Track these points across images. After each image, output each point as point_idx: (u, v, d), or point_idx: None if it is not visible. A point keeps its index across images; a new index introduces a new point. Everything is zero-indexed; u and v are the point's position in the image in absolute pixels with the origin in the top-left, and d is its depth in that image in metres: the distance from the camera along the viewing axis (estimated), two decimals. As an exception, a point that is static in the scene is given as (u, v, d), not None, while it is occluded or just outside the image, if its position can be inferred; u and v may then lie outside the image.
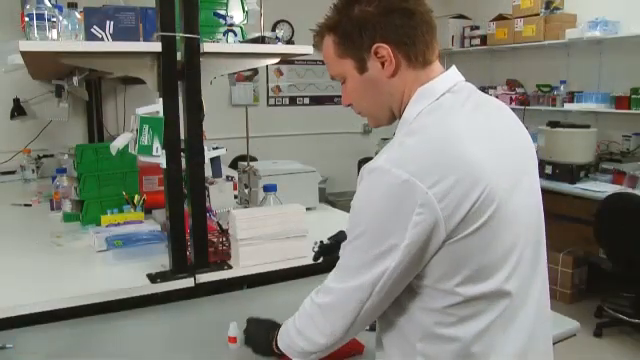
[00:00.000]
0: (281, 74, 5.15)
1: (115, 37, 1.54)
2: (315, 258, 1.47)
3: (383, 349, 1.02)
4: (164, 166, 1.54)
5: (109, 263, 1.76)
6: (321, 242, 1.47)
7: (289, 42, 2.20)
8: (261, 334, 1.20)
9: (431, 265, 0.88)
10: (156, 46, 1.50)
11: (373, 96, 1.01)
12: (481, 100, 1.01)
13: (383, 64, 0.96)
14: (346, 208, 3.01)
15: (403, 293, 0.93)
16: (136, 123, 1.49)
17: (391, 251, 0.87)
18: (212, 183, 1.88)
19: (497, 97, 5.30)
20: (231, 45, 1.77)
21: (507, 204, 0.89)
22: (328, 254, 1.45)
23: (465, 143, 0.88)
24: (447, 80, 0.98)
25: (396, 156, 0.88)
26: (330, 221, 2.36)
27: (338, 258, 1.01)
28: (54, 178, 2.54)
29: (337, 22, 0.98)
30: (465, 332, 0.90)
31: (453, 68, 1.02)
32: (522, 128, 1.05)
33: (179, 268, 1.60)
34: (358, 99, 1.03)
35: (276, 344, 1.10)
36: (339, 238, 1.45)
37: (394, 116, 1.02)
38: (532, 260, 0.96)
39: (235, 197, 2.39)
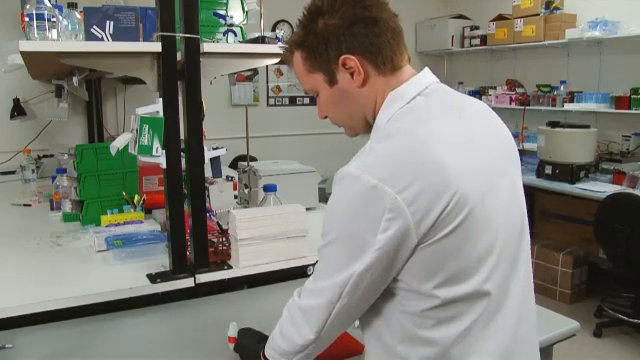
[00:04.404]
0: (281, 74, 5.14)
1: (115, 37, 1.53)
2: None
3: (367, 352, 1.03)
4: (164, 166, 1.54)
5: (109, 263, 1.76)
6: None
7: (289, 42, 2.20)
8: (251, 344, 1.20)
9: (407, 269, 0.89)
10: (156, 46, 1.50)
11: (346, 107, 1.01)
12: (456, 101, 1.00)
13: (352, 75, 0.96)
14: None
15: (382, 297, 0.94)
16: (136, 123, 1.49)
17: (362, 254, 0.88)
18: (212, 183, 1.88)
19: (497, 97, 5.31)
20: (231, 45, 1.77)
21: (482, 206, 0.88)
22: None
23: (435, 147, 0.87)
24: (418, 83, 0.98)
25: (366, 162, 0.89)
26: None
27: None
28: (54, 178, 2.54)
29: (303, 38, 0.99)
30: (444, 335, 0.90)
31: (426, 70, 1.01)
32: (502, 128, 1.04)
33: (179, 268, 1.60)
34: (332, 111, 1.04)
35: (264, 354, 1.10)
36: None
37: (369, 124, 1.02)
38: (512, 259, 0.95)
39: (235, 197, 2.39)
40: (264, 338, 1.15)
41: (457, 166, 0.86)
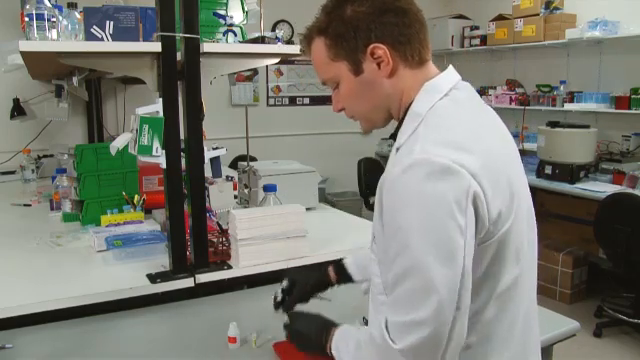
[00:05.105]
0: (281, 74, 5.14)
1: (115, 37, 1.53)
2: (276, 307, 1.31)
3: None
4: (164, 166, 1.54)
5: (109, 263, 1.76)
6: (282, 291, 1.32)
7: (289, 42, 2.20)
8: (313, 333, 1.09)
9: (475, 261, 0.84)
10: (156, 46, 1.50)
11: (370, 98, 0.97)
12: (480, 99, 1.02)
13: (379, 65, 0.93)
14: (346, 208, 2.98)
15: None
16: (136, 123, 1.49)
17: (457, 247, 0.80)
18: (212, 183, 1.88)
19: (497, 97, 5.30)
20: (231, 45, 1.77)
21: (522, 201, 0.91)
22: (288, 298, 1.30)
23: (490, 138, 0.91)
24: (450, 78, 0.97)
25: (429, 146, 0.83)
26: (330, 221, 2.36)
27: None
28: (54, 178, 2.54)
29: (328, 24, 0.95)
30: (476, 335, 0.89)
31: (451, 68, 1.00)
32: (503, 127, 1.05)
33: (179, 268, 1.60)
34: (353, 102, 1.00)
35: (330, 348, 1.02)
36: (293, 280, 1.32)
37: (390, 117, 1.00)
38: (531, 255, 0.97)
39: (235, 197, 2.39)
40: (325, 325, 1.07)
41: (506, 159, 0.91)
